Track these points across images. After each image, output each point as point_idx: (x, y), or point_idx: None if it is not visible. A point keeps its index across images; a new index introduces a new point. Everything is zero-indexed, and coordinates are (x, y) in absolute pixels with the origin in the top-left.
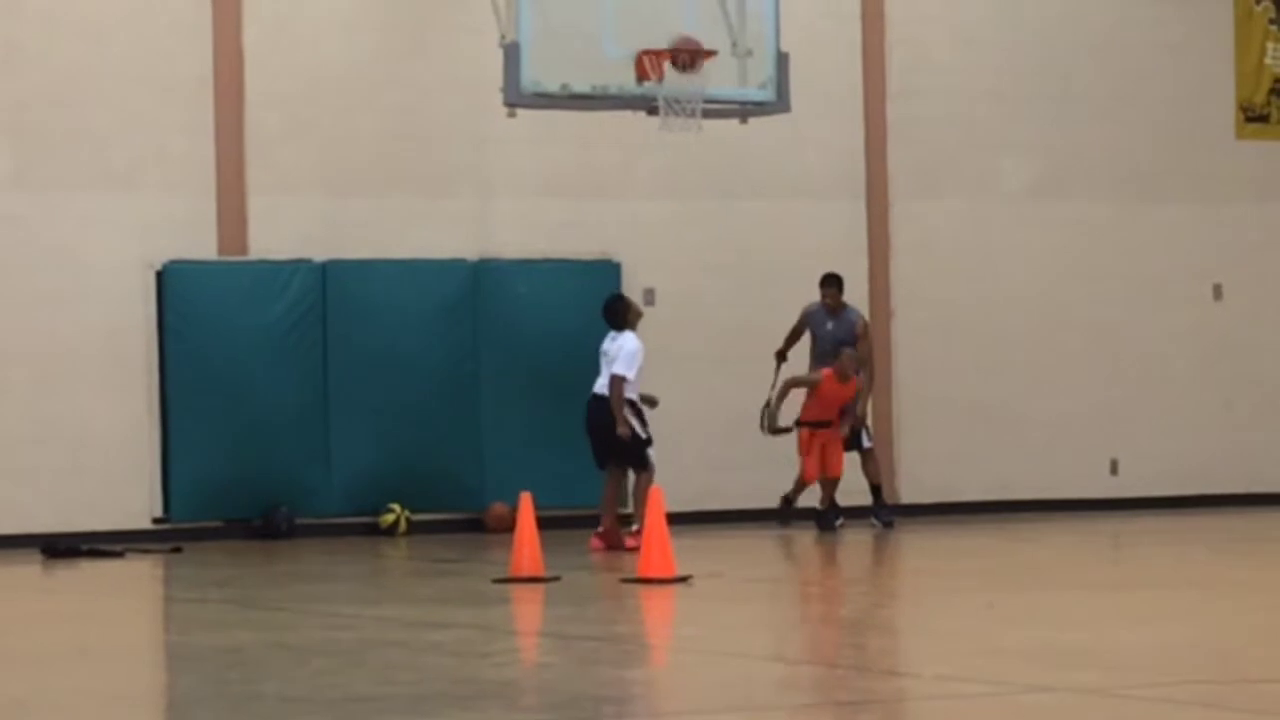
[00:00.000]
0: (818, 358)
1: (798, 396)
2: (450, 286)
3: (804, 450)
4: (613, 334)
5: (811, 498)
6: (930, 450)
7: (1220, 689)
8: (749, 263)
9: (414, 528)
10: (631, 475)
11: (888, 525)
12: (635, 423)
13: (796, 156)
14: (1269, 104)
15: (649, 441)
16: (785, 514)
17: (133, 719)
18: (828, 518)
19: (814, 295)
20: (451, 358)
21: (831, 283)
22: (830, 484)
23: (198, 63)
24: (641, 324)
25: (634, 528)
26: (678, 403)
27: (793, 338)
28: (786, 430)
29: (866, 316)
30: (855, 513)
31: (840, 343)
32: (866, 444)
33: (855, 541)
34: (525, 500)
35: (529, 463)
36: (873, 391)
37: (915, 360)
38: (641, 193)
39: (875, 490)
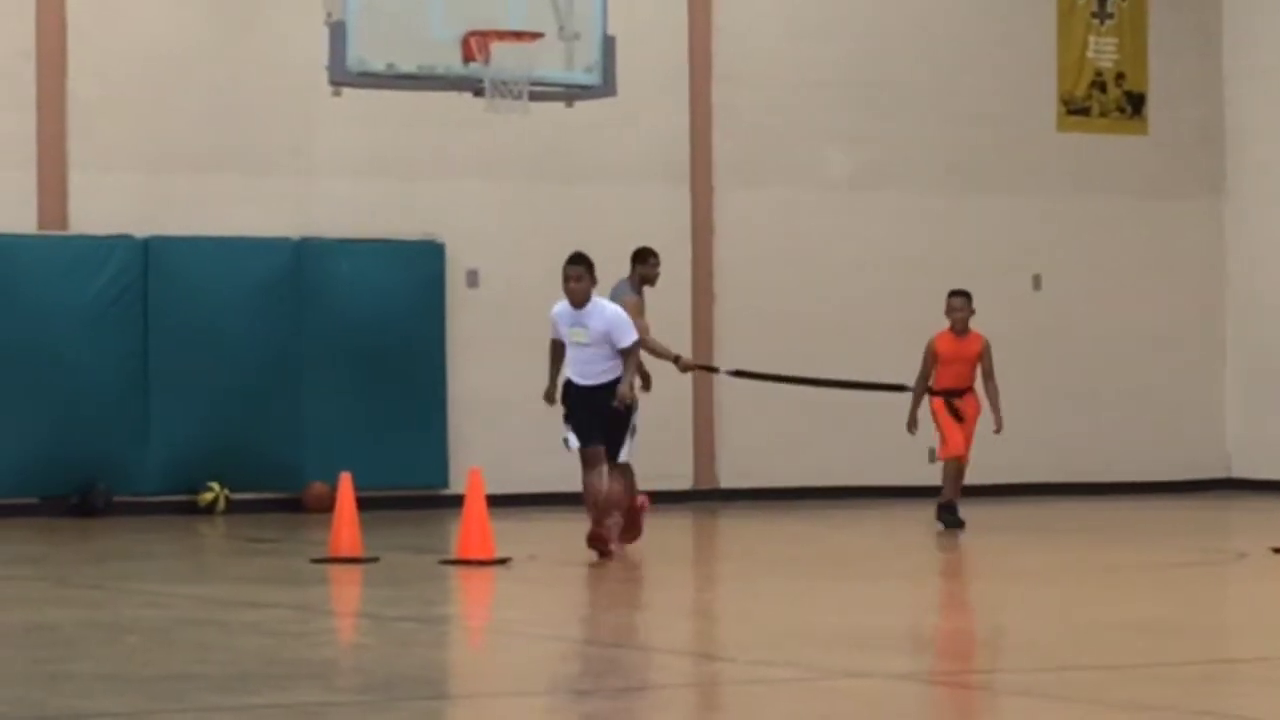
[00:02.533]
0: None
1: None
2: (272, 265)
3: (942, 424)
4: None
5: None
6: (750, 436)
7: (1031, 676)
8: (571, 246)
9: (233, 506)
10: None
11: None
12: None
13: (621, 140)
14: (1090, 97)
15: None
16: (951, 518)
17: None
18: (953, 510)
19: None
20: (273, 337)
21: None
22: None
23: (20, 36)
24: (463, 306)
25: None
26: (499, 385)
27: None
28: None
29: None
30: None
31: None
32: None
33: (670, 527)
34: (345, 480)
35: (349, 443)
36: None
37: (735, 346)
38: (466, 174)
39: None
